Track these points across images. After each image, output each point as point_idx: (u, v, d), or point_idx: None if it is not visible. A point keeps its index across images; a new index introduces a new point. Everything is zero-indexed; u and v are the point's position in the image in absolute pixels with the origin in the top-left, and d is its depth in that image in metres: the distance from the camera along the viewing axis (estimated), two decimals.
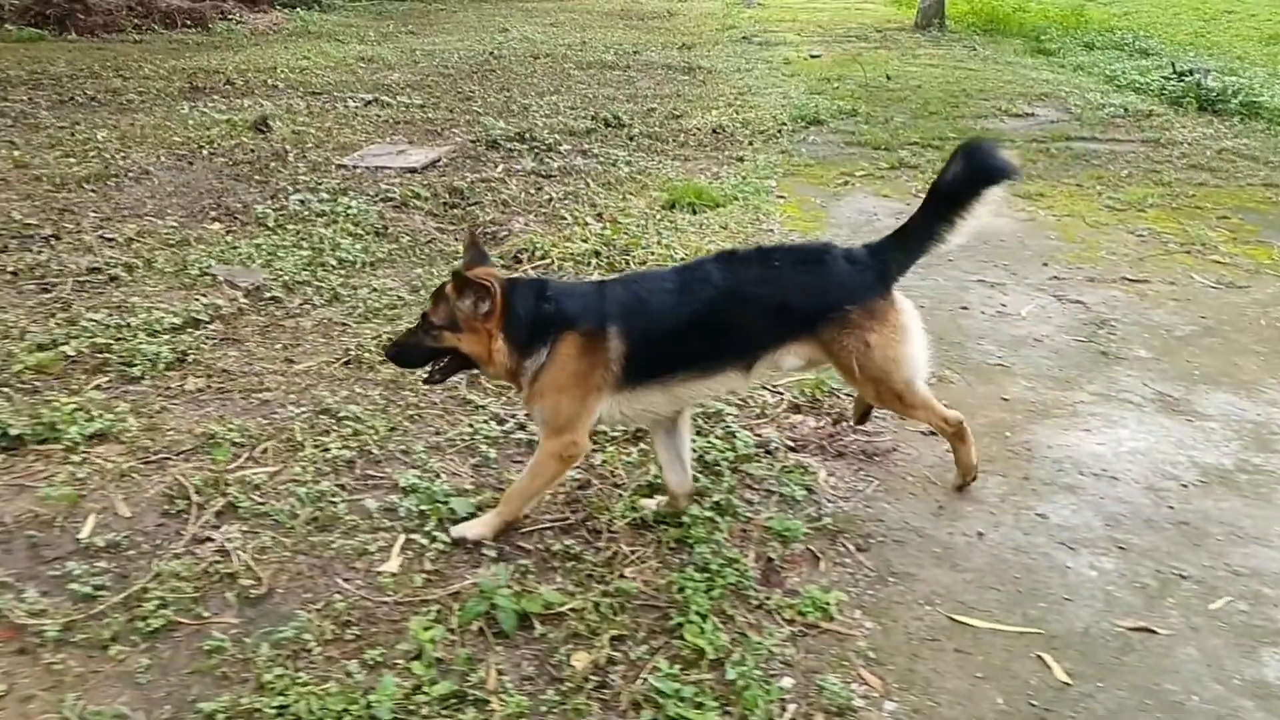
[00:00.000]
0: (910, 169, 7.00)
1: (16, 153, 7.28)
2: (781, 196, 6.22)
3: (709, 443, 3.22)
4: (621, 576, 2.66)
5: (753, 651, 2.33)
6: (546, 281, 2.81)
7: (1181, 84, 9.37)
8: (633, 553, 2.76)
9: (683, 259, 5.00)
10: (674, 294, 2.68)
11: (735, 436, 3.26)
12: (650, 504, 2.96)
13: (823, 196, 6.30)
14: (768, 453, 3.20)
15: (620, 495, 3.04)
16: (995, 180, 2.70)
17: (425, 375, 2.85)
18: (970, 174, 2.72)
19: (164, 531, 2.94)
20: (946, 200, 2.77)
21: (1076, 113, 8.95)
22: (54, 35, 13.62)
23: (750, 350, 2.71)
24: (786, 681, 2.26)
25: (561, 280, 2.88)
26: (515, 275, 2.91)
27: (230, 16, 15.61)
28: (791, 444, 3.26)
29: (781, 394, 3.62)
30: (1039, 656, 2.35)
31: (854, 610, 2.50)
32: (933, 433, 3.13)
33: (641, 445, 3.31)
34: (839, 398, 3.58)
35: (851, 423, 3.31)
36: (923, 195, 6.08)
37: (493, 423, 3.51)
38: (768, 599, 2.52)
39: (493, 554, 2.79)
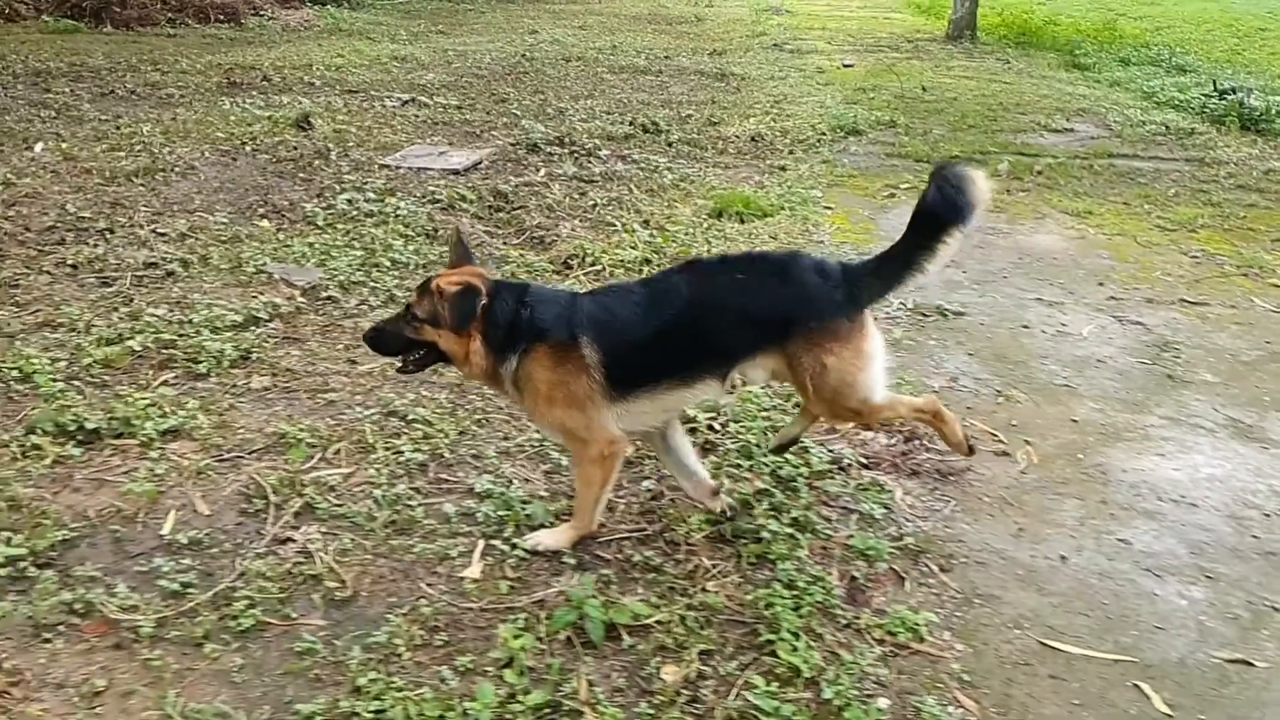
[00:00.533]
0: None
1: (64, 145, 7.33)
2: (828, 207, 6.23)
3: (783, 458, 3.22)
4: (704, 590, 2.67)
5: (847, 671, 2.33)
6: (528, 286, 2.83)
7: (1223, 103, 9.33)
8: (714, 567, 2.77)
9: None
10: (643, 305, 2.70)
11: (809, 451, 3.26)
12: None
13: (869, 208, 6.30)
14: (842, 469, 3.21)
15: (694, 507, 3.05)
16: (959, 220, 2.62)
17: (400, 365, 2.86)
18: (939, 206, 2.65)
19: (244, 530, 2.96)
20: (926, 228, 2.70)
21: (1117, 129, 8.93)
22: (90, 27, 13.70)
23: (723, 360, 2.70)
24: (882, 702, 2.26)
25: (542, 286, 2.90)
26: (498, 278, 2.91)
27: (262, 12, 15.68)
28: (865, 461, 3.26)
29: None
30: (1136, 686, 2.35)
31: (943, 632, 2.50)
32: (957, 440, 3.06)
33: (713, 457, 3.32)
34: None
35: (769, 448, 3.23)
36: None
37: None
38: (856, 618, 2.53)
39: (573, 562, 2.81)
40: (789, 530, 2.86)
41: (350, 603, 2.66)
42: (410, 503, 3.08)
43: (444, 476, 3.25)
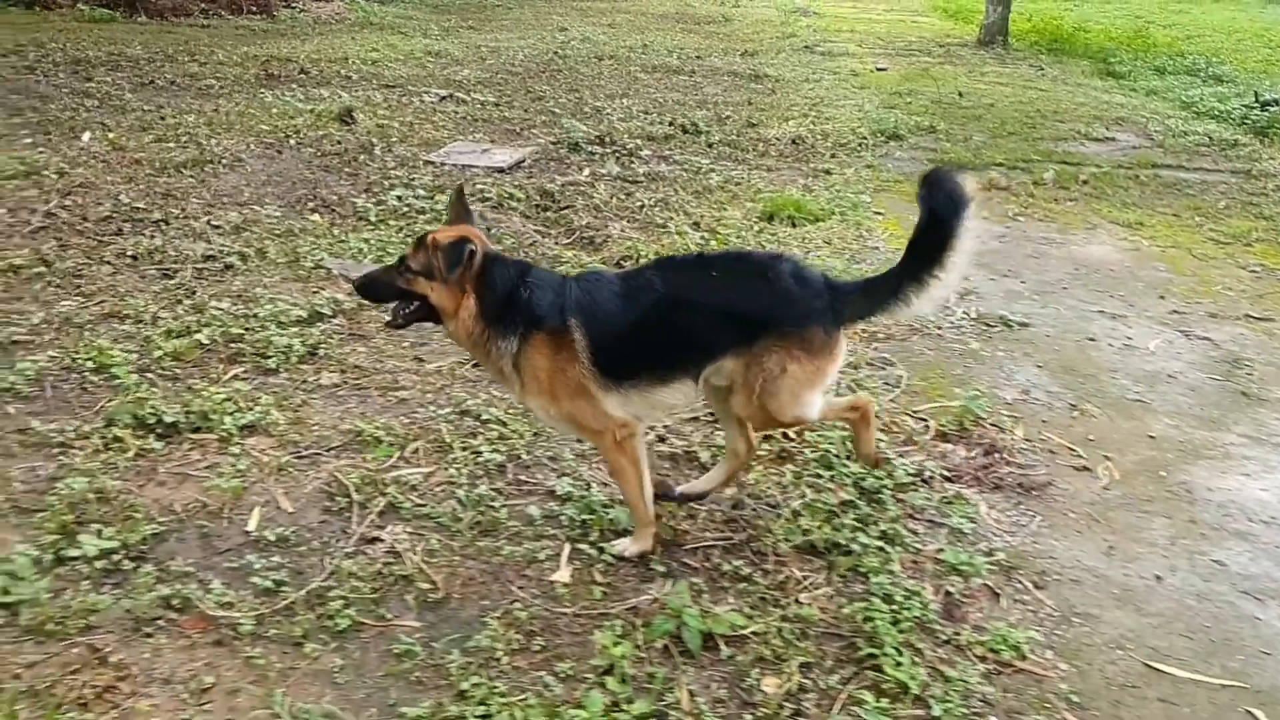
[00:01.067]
0: (1002, 190, 6.96)
1: (111, 135, 7.35)
2: (879, 213, 6.21)
3: (862, 469, 3.22)
4: (798, 602, 2.66)
5: (953, 688, 2.33)
6: (529, 266, 2.82)
7: (1265, 114, 9.27)
8: (804, 578, 2.77)
9: None
10: (620, 297, 2.69)
11: (890, 463, 3.26)
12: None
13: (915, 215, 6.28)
14: (924, 482, 3.20)
15: (778, 516, 3.04)
16: (958, 209, 2.58)
17: (389, 319, 2.85)
18: (936, 207, 2.62)
19: (329, 529, 2.97)
20: (922, 252, 2.66)
21: (1158, 139, 8.88)
22: (125, 16, 13.72)
23: (698, 358, 2.68)
24: None
25: (541, 269, 2.92)
26: (500, 250, 2.91)
27: (294, 4, 15.69)
28: (947, 474, 3.25)
29: (925, 420, 3.62)
30: (1249, 713, 2.33)
31: (1045, 650, 2.49)
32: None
33: (790, 467, 3.32)
34: (987, 427, 3.57)
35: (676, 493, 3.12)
36: (1019, 219, 6.07)
37: (650, 434, 3.51)
38: (956, 634, 2.52)
39: (662, 570, 2.81)
40: (879, 543, 2.85)
41: (443, 604, 2.67)
42: (493, 504, 3.09)
43: (523, 478, 3.26)
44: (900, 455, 3.34)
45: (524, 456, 3.37)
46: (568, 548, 2.90)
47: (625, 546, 2.88)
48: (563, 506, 3.08)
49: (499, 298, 2.65)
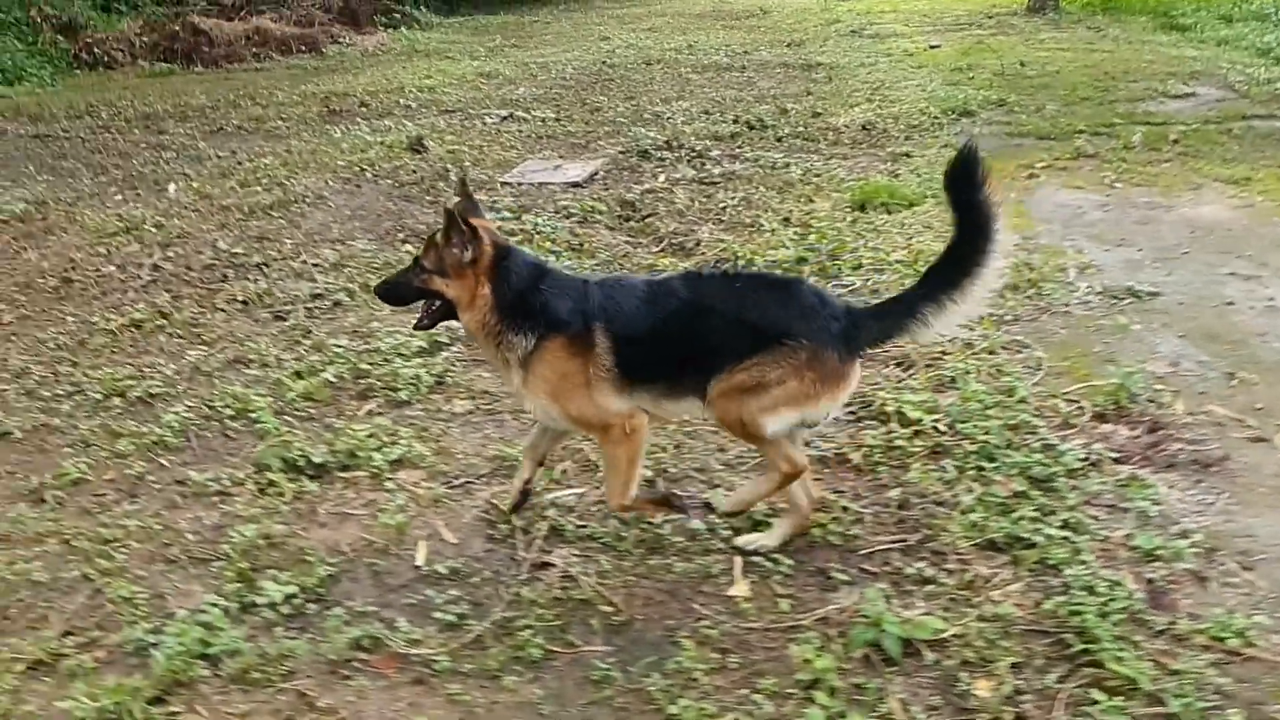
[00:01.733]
0: (1091, 158, 6.77)
1: (195, 184, 7.53)
2: None
3: (1028, 457, 3.12)
4: (991, 601, 2.58)
5: (1184, 682, 2.23)
6: (545, 265, 2.83)
7: None
8: (992, 575, 2.69)
9: (900, 261, 4.91)
10: (644, 302, 2.70)
11: (1055, 449, 3.16)
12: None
13: (1012, 191, 6.13)
14: (1093, 465, 3.10)
15: (948, 514, 2.97)
16: (988, 228, 2.54)
17: (415, 321, 2.91)
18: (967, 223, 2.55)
19: (496, 557, 2.97)
20: (944, 274, 2.61)
21: (1241, 90, 8.58)
22: (182, 69, 14.11)
23: (709, 369, 2.64)
24: (1234, 715, 2.16)
25: (558, 269, 2.97)
26: (513, 243, 2.89)
27: (340, 40, 15.98)
28: (1115, 456, 3.14)
29: (1077, 402, 3.50)
30: None
31: (1272, 635, 2.39)
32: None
33: (949, 461, 3.23)
34: (1144, 404, 3.45)
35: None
36: (1117, 185, 5.89)
37: None
38: (1171, 624, 2.42)
39: (843, 577, 2.75)
40: (1063, 534, 2.76)
41: (628, 627, 2.64)
42: (652, 520, 3.06)
43: (676, 491, 3.22)
44: (1062, 440, 3.23)
45: (671, 470, 3.34)
46: (739, 561, 2.85)
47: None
48: (723, 520, 3.04)
49: (514, 290, 2.68)
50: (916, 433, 3.36)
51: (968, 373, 3.72)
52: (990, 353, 3.92)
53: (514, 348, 2.69)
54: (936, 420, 3.40)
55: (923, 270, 2.79)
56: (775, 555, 2.84)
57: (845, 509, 3.02)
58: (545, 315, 2.66)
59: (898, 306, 2.67)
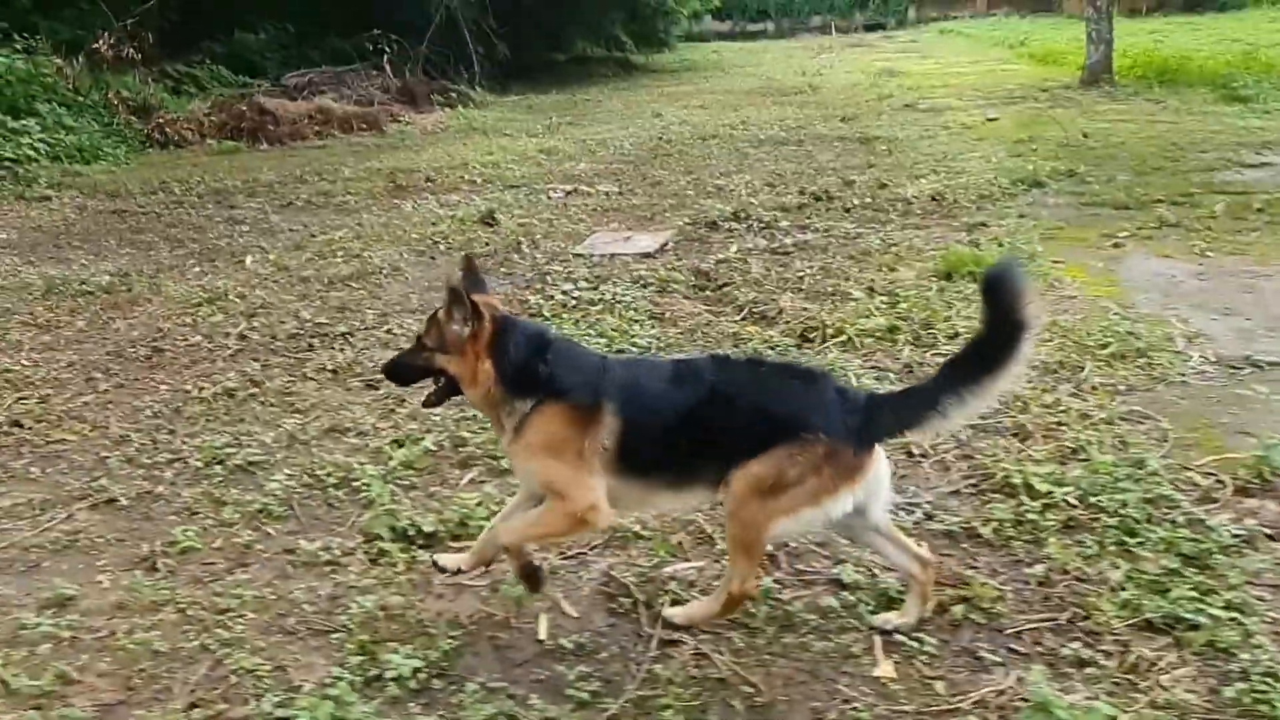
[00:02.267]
0: (1174, 227, 6.69)
1: (271, 255, 7.69)
2: (1057, 261, 6.00)
3: (1173, 532, 2.98)
4: (1160, 686, 2.43)
5: None
6: (549, 334, 2.82)
7: None
8: (1156, 658, 2.53)
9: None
10: (668, 387, 2.67)
11: (1202, 524, 3.02)
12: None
13: (1099, 259, 6.06)
14: (1246, 542, 2.95)
15: (1097, 591, 2.82)
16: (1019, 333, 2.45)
17: (424, 399, 2.93)
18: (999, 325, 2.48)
19: (620, 632, 2.87)
20: (963, 367, 2.55)
21: None
22: (248, 146, 14.56)
23: (727, 459, 2.56)
24: None
25: (565, 339, 2.98)
26: (517, 315, 3.02)
27: (400, 118, 16.46)
28: (1268, 532, 2.99)
29: (1214, 475, 3.36)
30: None
31: None
32: None
33: (1085, 536, 3.10)
34: None
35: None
36: (1209, 254, 5.79)
37: (902, 512, 3.36)
38: None
39: (995, 658, 2.61)
40: (1228, 614, 2.61)
41: (770, 708, 2.52)
42: (780, 596, 2.95)
43: (800, 567, 3.12)
44: (1207, 514, 3.09)
45: (792, 545, 3.23)
46: (878, 640, 2.73)
47: (447, 560, 2.98)
48: (854, 594, 2.93)
49: (516, 361, 2.66)
50: (1047, 505, 3.23)
51: (1090, 443, 3.60)
52: (1109, 423, 3.80)
53: (514, 412, 2.67)
54: (1067, 493, 3.27)
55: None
56: (918, 634, 2.71)
57: (984, 585, 2.89)
58: (551, 383, 2.64)
59: (918, 398, 2.62)
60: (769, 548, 2.71)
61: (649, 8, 25.49)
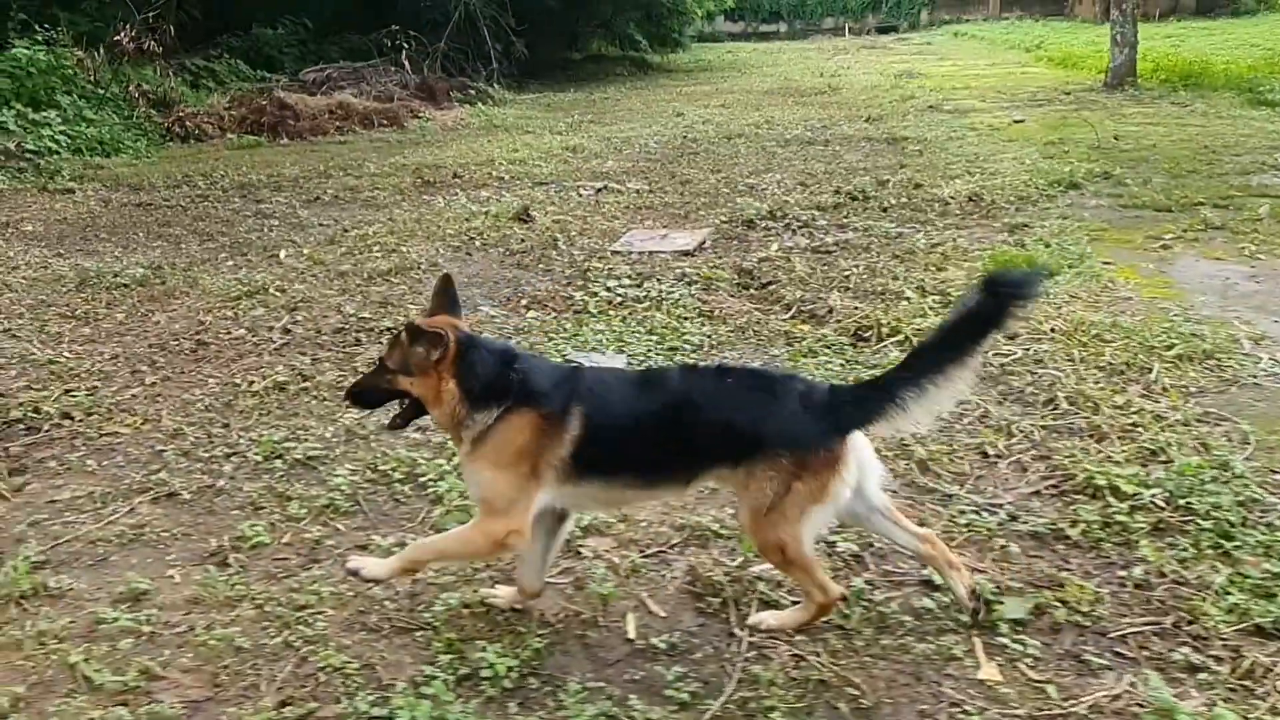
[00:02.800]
0: (1219, 230, 6.63)
1: (305, 250, 7.64)
2: (1107, 263, 5.94)
3: (1272, 536, 2.93)
4: (1277, 690, 2.38)
5: None
6: (513, 350, 2.81)
7: None
8: (1272, 663, 2.48)
9: (1056, 329, 4.76)
10: (636, 390, 2.70)
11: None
12: (498, 596, 2.95)
13: (1149, 261, 6.00)
14: None
15: (1199, 595, 2.77)
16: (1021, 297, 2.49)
17: (388, 422, 2.88)
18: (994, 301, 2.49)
19: (710, 632, 2.82)
20: (931, 356, 2.57)
21: None
22: (269, 141, 14.50)
23: (692, 463, 2.64)
24: None
25: (530, 354, 2.99)
26: (476, 334, 2.93)
27: (420, 114, 16.38)
28: None
29: None
30: None
31: None
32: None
33: (1177, 539, 3.04)
34: None
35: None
36: (1260, 257, 5.73)
37: (984, 513, 3.31)
38: None
39: (1105, 661, 2.56)
40: None
41: (876, 711, 2.47)
42: (872, 597, 2.90)
43: (887, 569, 3.07)
44: None
45: (876, 545, 3.18)
46: (978, 642, 2.68)
47: (362, 564, 2.85)
48: (948, 596, 2.87)
49: (481, 380, 2.64)
50: (1135, 508, 3.18)
51: (1170, 445, 3.55)
52: (1185, 425, 3.74)
53: (475, 425, 2.64)
54: (1154, 495, 3.22)
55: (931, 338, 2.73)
56: (1020, 637, 2.66)
57: (1080, 587, 2.84)
58: (519, 391, 2.63)
59: (878, 392, 2.61)
60: (814, 551, 2.67)
61: (664, 7, 25.45)
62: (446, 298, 2.87)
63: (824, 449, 2.53)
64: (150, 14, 15.79)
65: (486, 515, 2.66)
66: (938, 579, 2.86)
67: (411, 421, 2.86)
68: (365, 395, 2.88)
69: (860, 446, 2.63)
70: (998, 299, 2.49)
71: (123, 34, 15.11)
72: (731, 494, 2.78)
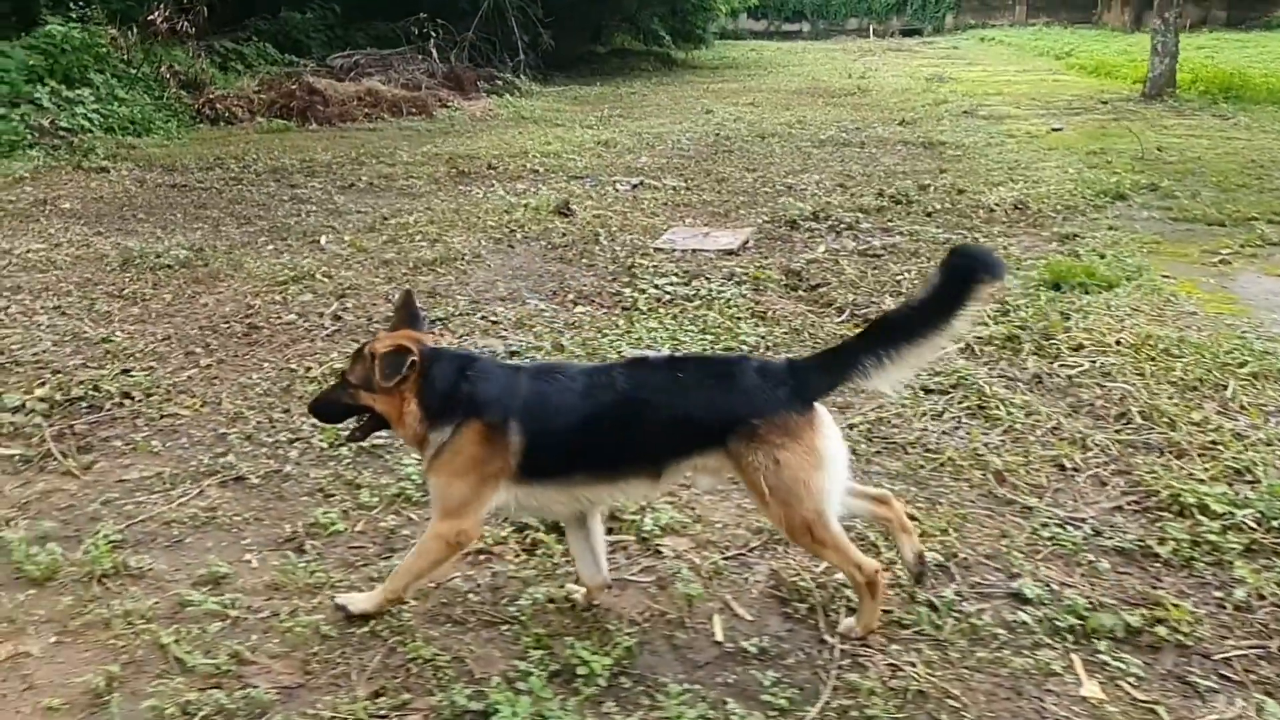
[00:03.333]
0: (1277, 245, 6.56)
1: (347, 237, 7.61)
2: (1167, 276, 5.88)
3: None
4: None
5: None
6: (472, 358, 2.82)
7: None
8: None
9: (1124, 343, 4.71)
10: (578, 395, 2.67)
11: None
12: (578, 591, 2.94)
13: (1208, 276, 5.94)
14: None
15: None
16: (983, 277, 2.52)
17: (347, 434, 2.89)
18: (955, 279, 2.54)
19: (800, 637, 2.79)
20: (886, 333, 2.62)
21: None
22: (298, 126, 14.49)
23: (654, 458, 2.64)
24: None
25: (486, 358, 2.96)
26: (440, 345, 2.97)
27: (448, 104, 16.35)
28: None
29: None
30: None
31: None
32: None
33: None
34: None
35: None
36: None
37: (1068, 527, 3.27)
38: None
39: (1209, 684, 2.52)
40: None
41: None
42: (963, 609, 2.86)
43: (974, 580, 3.03)
44: None
45: (961, 554, 3.14)
46: (1077, 658, 2.64)
47: (352, 600, 2.85)
48: (1040, 609, 2.83)
49: (439, 395, 2.65)
50: (1226, 527, 3.14)
51: (1256, 464, 3.50)
52: (1268, 444, 3.69)
53: (433, 442, 2.67)
54: (1246, 515, 3.17)
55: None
56: (1121, 655, 2.62)
57: (1178, 607, 2.79)
58: (468, 403, 2.65)
59: (842, 357, 2.68)
60: (838, 527, 2.66)
61: (690, 3, 25.37)
62: (408, 312, 2.91)
63: (795, 412, 2.56)
64: None
65: (438, 519, 2.71)
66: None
67: (372, 434, 2.89)
68: (327, 409, 2.89)
69: (826, 418, 2.65)
70: (961, 276, 2.54)
71: (158, 13, 15.09)
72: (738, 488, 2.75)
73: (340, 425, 3.04)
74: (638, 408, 2.65)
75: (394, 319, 2.96)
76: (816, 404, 2.62)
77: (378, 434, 2.95)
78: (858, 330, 2.76)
